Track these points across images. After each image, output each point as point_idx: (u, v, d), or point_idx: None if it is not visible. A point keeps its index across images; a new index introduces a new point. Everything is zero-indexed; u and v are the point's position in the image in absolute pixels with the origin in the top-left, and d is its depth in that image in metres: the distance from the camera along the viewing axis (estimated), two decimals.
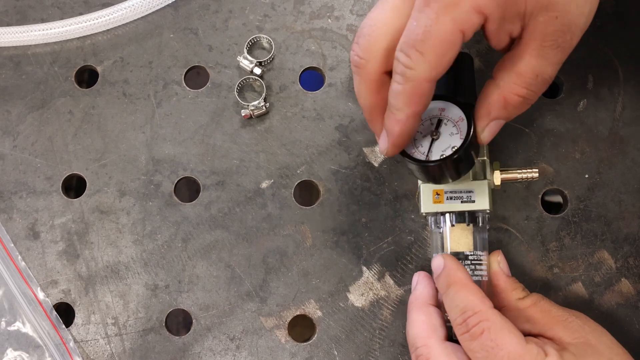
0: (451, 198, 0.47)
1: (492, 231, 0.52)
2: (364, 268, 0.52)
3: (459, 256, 0.46)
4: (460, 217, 0.47)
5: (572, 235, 0.52)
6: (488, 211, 0.47)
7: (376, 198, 0.53)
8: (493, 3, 0.38)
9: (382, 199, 0.53)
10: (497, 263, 0.47)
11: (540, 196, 0.52)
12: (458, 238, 0.47)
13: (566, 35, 0.39)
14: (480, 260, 0.47)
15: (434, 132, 0.45)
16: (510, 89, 0.40)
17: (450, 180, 0.45)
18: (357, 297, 0.52)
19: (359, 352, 0.51)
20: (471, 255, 0.46)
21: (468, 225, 0.46)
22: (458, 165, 0.44)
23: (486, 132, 0.43)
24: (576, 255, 0.51)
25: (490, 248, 0.51)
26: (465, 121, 0.44)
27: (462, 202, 0.47)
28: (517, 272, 0.51)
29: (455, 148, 0.43)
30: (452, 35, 0.38)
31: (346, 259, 0.52)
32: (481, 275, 0.47)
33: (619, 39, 0.55)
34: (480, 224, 0.47)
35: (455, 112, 0.45)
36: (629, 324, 0.50)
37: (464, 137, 0.44)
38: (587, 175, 0.53)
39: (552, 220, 0.52)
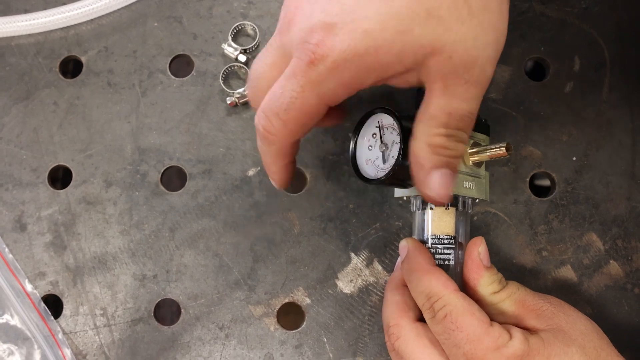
0: None
1: (480, 215, 0.52)
2: (352, 254, 0.52)
3: (438, 239, 0.46)
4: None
5: (560, 218, 0.52)
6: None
7: (363, 184, 0.52)
8: (359, 75, 0.38)
9: (369, 185, 0.52)
10: (478, 252, 0.45)
11: (528, 179, 0.52)
12: (439, 221, 0.46)
13: (472, 69, 0.38)
14: (456, 245, 0.46)
15: (382, 145, 0.45)
16: (429, 133, 0.39)
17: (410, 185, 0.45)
18: (346, 283, 0.52)
19: (349, 338, 0.51)
20: (449, 239, 0.46)
21: (447, 208, 0.46)
22: (398, 179, 0.44)
23: (432, 185, 0.40)
24: (564, 238, 0.51)
25: (479, 232, 0.51)
26: (397, 126, 0.44)
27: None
28: (506, 256, 0.51)
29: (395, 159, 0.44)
30: (316, 108, 0.40)
31: (334, 246, 0.52)
32: (456, 260, 0.46)
33: (605, 21, 0.54)
34: (462, 208, 0.46)
35: (389, 119, 0.45)
36: (618, 305, 0.50)
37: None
38: (574, 158, 0.52)
39: (540, 204, 0.52)
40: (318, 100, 0.39)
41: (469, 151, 0.45)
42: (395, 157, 0.43)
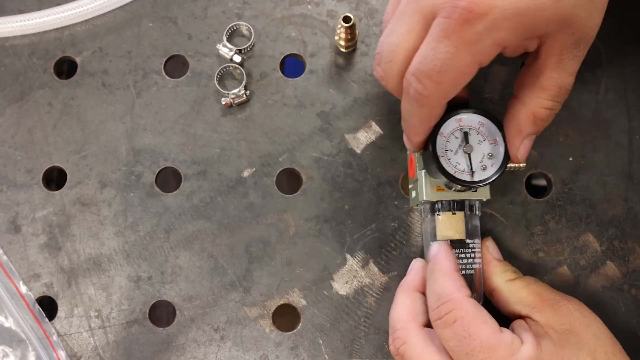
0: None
1: None
2: (348, 256, 0.52)
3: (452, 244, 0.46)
4: (451, 204, 0.46)
5: (556, 218, 0.51)
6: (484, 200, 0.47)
7: (359, 185, 0.52)
8: (513, 34, 0.38)
9: (365, 185, 0.52)
10: (487, 249, 0.47)
11: (524, 180, 0.52)
12: (449, 225, 0.46)
13: (580, 46, 0.40)
14: (474, 248, 0.46)
15: (466, 147, 0.44)
16: (537, 103, 0.41)
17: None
18: (342, 285, 0.51)
19: (344, 340, 0.51)
20: (462, 243, 0.46)
21: (453, 213, 0.46)
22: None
23: (521, 150, 0.43)
24: (561, 238, 0.51)
25: None
26: (485, 125, 0.44)
27: (455, 191, 0.46)
28: (503, 256, 0.51)
29: (490, 155, 0.44)
30: (470, 68, 0.39)
31: (330, 247, 0.52)
32: (474, 264, 0.46)
33: (602, 21, 0.54)
34: (469, 212, 0.46)
35: (472, 119, 0.44)
36: (615, 306, 0.50)
37: (493, 141, 0.44)
38: (571, 158, 0.52)
39: (537, 204, 0.52)
40: (472, 60, 0.38)
41: None
42: (502, 159, 0.44)
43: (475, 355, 0.39)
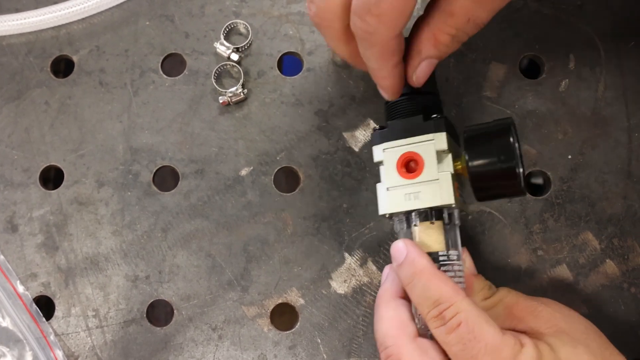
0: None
1: (475, 214, 0.51)
2: (346, 254, 0.51)
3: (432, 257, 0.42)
4: (426, 214, 0.42)
5: (555, 217, 0.51)
6: (453, 205, 0.42)
7: (357, 183, 0.52)
8: None
9: (363, 184, 0.52)
10: (464, 263, 0.44)
11: None
12: (428, 238, 0.42)
13: None
14: (456, 261, 0.42)
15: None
16: (441, 28, 0.39)
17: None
18: (340, 284, 0.51)
19: (343, 339, 0.50)
20: (443, 255, 0.42)
21: (432, 222, 0.42)
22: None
23: (418, 72, 0.42)
24: (560, 237, 0.51)
25: (474, 232, 0.51)
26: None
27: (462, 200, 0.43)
28: (501, 255, 0.51)
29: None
30: None
31: (328, 246, 0.52)
32: (456, 277, 0.42)
33: (600, 18, 0.54)
34: (448, 221, 0.43)
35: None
36: (615, 305, 0.50)
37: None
38: (570, 156, 0.52)
39: (536, 202, 0.51)
40: None
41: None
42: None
43: (480, 358, 0.38)
